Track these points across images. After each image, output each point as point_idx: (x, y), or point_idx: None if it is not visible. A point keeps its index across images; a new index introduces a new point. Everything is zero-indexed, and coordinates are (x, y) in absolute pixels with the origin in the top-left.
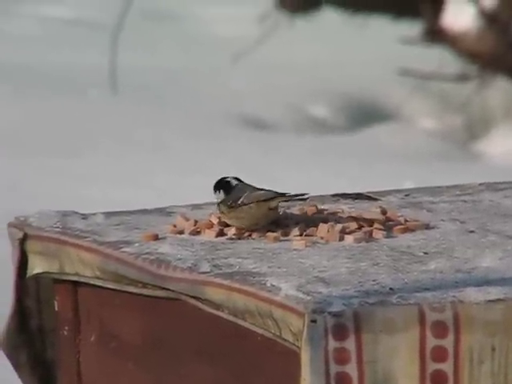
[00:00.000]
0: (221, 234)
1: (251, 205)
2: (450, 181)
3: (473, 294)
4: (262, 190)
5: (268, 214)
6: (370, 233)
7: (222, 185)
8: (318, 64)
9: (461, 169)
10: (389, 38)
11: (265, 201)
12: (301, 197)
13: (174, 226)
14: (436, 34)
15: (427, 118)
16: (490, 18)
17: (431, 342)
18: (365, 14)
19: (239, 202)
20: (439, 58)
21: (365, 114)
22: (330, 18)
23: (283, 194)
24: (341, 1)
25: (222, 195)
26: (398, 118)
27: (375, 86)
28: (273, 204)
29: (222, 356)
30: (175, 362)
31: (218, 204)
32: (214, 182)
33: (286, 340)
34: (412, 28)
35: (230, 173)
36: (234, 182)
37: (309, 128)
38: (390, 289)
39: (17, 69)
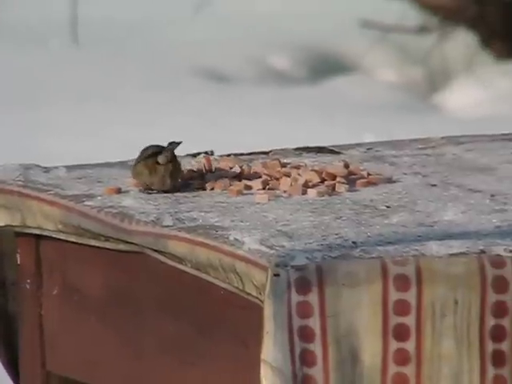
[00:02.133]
0: (184, 186)
1: (140, 162)
2: (410, 133)
3: (435, 248)
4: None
5: (160, 170)
6: (333, 186)
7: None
8: (279, 15)
9: (421, 121)
10: None
11: (150, 156)
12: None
13: None
14: None
15: (388, 70)
16: None
17: (394, 295)
18: None
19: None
20: (400, 10)
21: (326, 66)
22: None
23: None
24: None
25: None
26: (359, 70)
27: (336, 38)
28: (161, 159)
29: (184, 310)
30: (138, 315)
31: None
32: (176, 134)
33: (249, 294)
34: None
35: (191, 125)
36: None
37: (270, 80)
38: (353, 242)
39: None
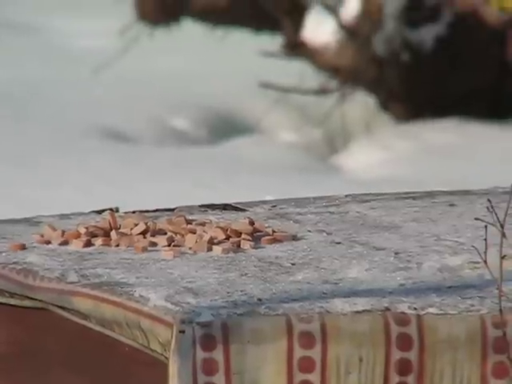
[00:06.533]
0: (88, 244)
1: None
2: (310, 194)
3: (340, 305)
4: None
5: None
6: (238, 243)
7: None
8: (178, 76)
9: (321, 182)
10: (249, 51)
11: None
12: None
13: (42, 235)
14: (296, 48)
15: (288, 131)
16: (351, 32)
17: (299, 352)
18: (225, 26)
19: None
20: (300, 72)
21: (226, 127)
22: (190, 30)
23: None
24: (201, 13)
25: None
26: (259, 131)
27: (236, 99)
28: None
29: (89, 366)
30: (42, 372)
31: None
32: (77, 194)
33: (154, 350)
34: (272, 41)
35: (92, 185)
36: None
37: (170, 140)
38: (258, 299)
39: None
